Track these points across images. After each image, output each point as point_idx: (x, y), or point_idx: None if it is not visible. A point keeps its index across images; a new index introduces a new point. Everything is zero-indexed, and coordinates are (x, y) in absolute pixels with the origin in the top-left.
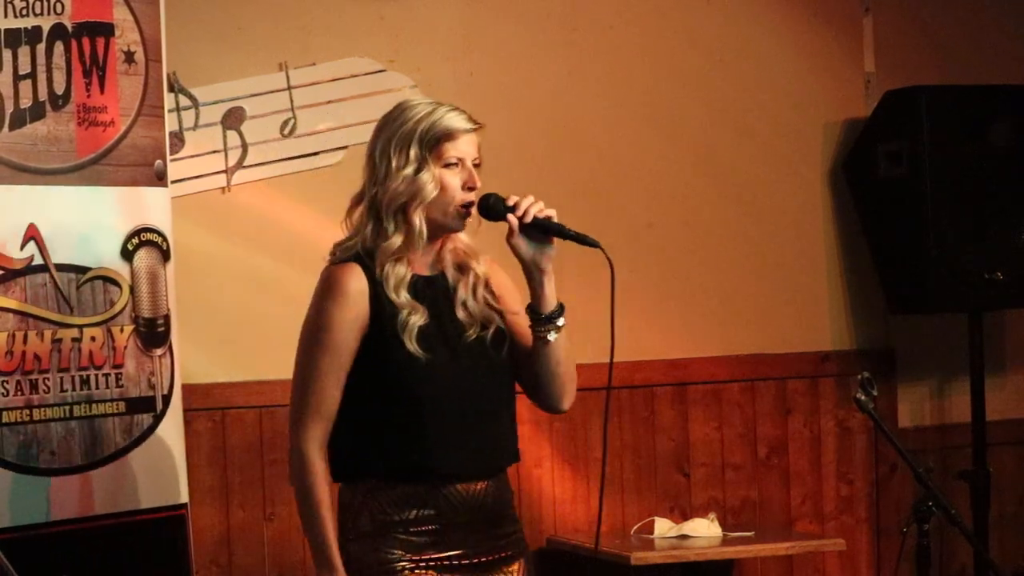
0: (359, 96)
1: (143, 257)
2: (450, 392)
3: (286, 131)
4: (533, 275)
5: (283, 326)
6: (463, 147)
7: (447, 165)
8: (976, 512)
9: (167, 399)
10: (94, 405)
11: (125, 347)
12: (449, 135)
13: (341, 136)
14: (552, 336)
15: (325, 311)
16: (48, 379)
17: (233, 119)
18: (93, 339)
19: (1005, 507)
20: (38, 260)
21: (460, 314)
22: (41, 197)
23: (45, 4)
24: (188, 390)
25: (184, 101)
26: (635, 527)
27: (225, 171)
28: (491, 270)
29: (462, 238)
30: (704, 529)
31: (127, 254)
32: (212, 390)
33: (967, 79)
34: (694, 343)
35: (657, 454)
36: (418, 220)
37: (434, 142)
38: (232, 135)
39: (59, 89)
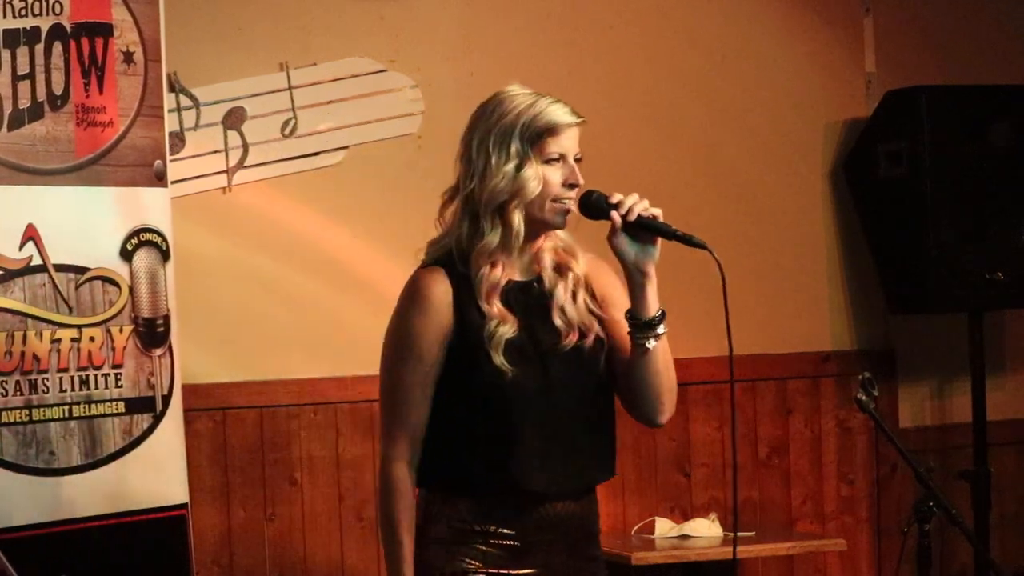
0: (360, 96)
1: (142, 257)
2: (539, 407)
3: (287, 131)
4: (634, 277)
5: (283, 326)
6: (565, 142)
7: (548, 161)
8: (977, 512)
9: (167, 399)
10: (93, 405)
11: (124, 347)
12: (552, 129)
13: (342, 136)
14: (651, 344)
15: (408, 320)
16: (47, 379)
17: (234, 119)
18: (92, 339)
19: (1006, 507)
20: (37, 260)
21: (557, 321)
22: (40, 197)
23: (44, 4)
24: (188, 390)
25: (185, 101)
26: (636, 527)
27: (226, 171)
28: (594, 267)
29: (561, 236)
30: (704, 529)
31: (126, 254)
32: (212, 390)
33: (968, 79)
34: (694, 343)
35: (658, 454)
36: (517, 219)
37: (536, 137)
38: (233, 135)
39: (58, 89)
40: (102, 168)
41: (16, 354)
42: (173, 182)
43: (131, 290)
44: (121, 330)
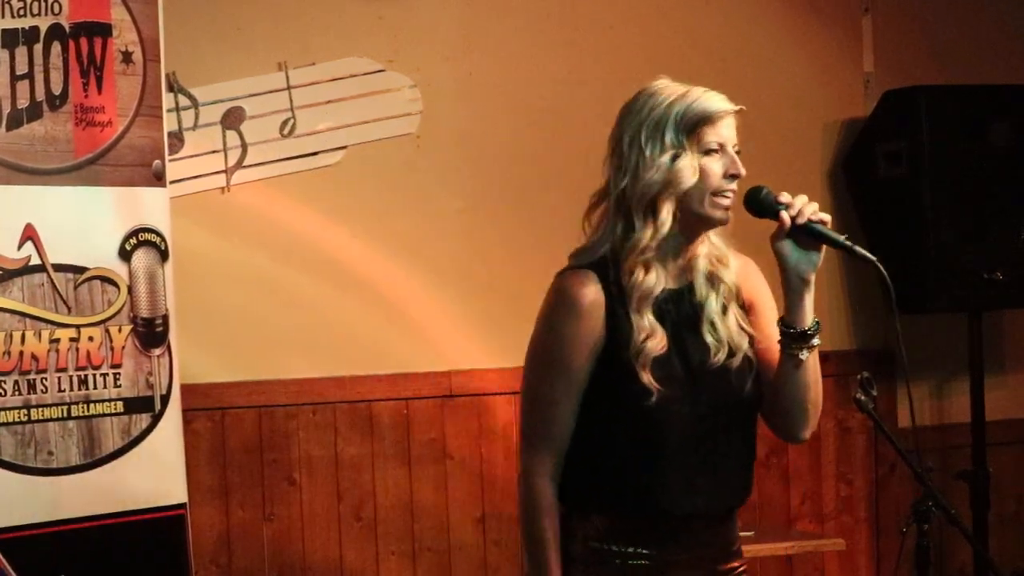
0: (358, 96)
1: (141, 257)
2: (686, 427)
3: (286, 131)
4: (793, 284)
5: (282, 326)
6: (723, 131)
7: (707, 151)
8: (976, 512)
9: (165, 399)
10: (92, 405)
11: (123, 347)
12: (708, 118)
13: (341, 136)
14: (804, 355)
15: (557, 328)
16: (46, 379)
17: (232, 119)
18: (91, 339)
19: (1005, 507)
20: (35, 260)
21: (708, 338)
22: (38, 197)
23: (42, 4)
24: (187, 390)
25: (183, 101)
26: None
27: (224, 171)
28: (744, 271)
29: (714, 241)
30: None
31: (125, 254)
32: (211, 390)
33: (966, 79)
34: None
35: None
36: (667, 210)
37: (692, 126)
38: (231, 135)
39: (56, 89)
40: (101, 168)
41: (15, 354)
42: (172, 182)
43: (130, 290)
44: (120, 330)
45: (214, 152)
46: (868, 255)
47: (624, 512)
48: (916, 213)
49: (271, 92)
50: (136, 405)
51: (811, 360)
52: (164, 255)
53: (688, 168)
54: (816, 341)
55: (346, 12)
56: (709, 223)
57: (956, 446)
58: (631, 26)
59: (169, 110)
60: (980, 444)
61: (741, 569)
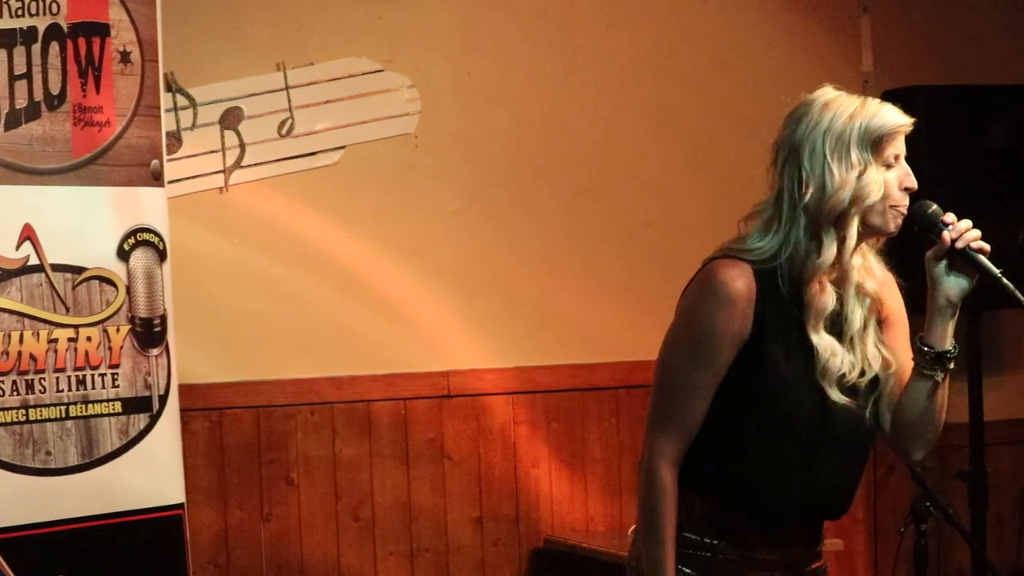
0: (357, 96)
1: (139, 257)
2: (814, 441)
3: (284, 131)
4: (939, 304)
5: (281, 326)
6: (900, 144)
7: (887, 164)
8: (974, 512)
9: (164, 399)
10: (90, 405)
11: (121, 347)
12: (892, 135)
13: (339, 136)
14: (939, 377)
15: (707, 317)
16: (44, 379)
17: (231, 119)
18: (89, 339)
19: (1003, 507)
20: (34, 260)
21: (847, 356)
22: (37, 197)
23: (41, 4)
24: (185, 390)
25: (182, 101)
26: (632, 527)
27: (223, 171)
28: (885, 284)
29: (865, 249)
30: None
31: (123, 254)
32: (209, 390)
33: (965, 79)
34: None
35: None
36: (854, 227)
37: (877, 141)
38: (230, 135)
39: (55, 89)
40: (99, 168)
41: (13, 354)
42: (170, 182)
43: (128, 290)
44: (118, 330)
45: (212, 152)
46: (1019, 295)
47: (731, 504)
48: None
49: (269, 92)
50: (134, 405)
51: (944, 382)
52: (162, 255)
53: (876, 184)
54: (952, 365)
55: (345, 12)
56: (882, 234)
57: (954, 446)
58: (629, 27)
59: (167, 110)
60: (978, 444)
61: (822, 567)
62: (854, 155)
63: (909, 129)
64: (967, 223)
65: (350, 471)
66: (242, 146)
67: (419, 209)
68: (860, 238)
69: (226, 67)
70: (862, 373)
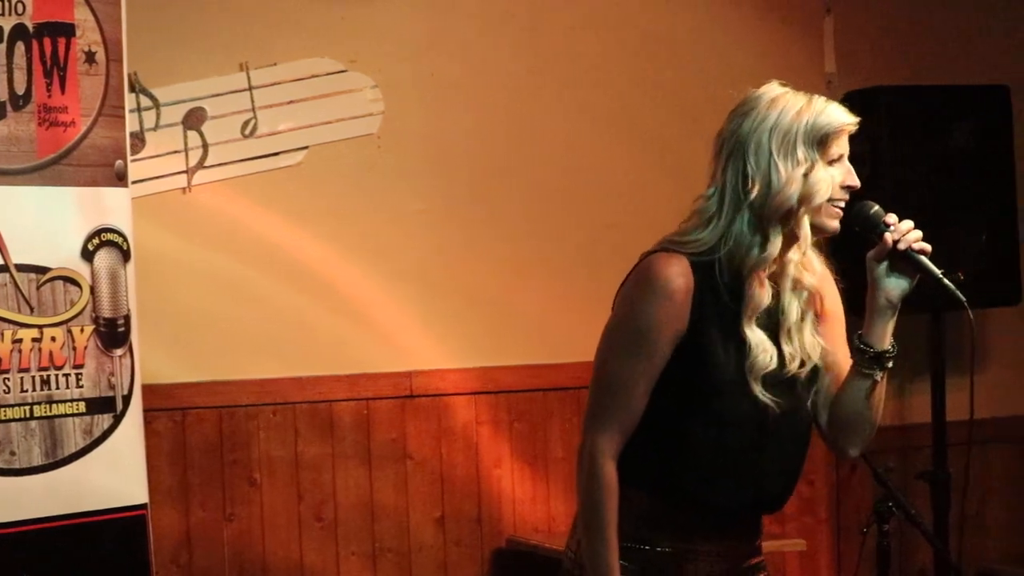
0: (320, 96)
1: (103, 257)
2: (749, 430)
3: (247, 131)
4: (879, 304)
5: (244, 326)
6: (845, 143)
7: (831, 162)
8: (936, 513)
9: (127, 399)
10: (54, 405)
11: (85, 347)
12: (838, 133)
13: (302, 136)
14: (878, 376)
15: (645, 310)
16: (8, 379)
17: (194, 119)
18: (53, 339)
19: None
20: None
21: (785, 346)
22: (1, 197)
23: (6, 4)
24: (148, 390)
25: (145, 101)
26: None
27: (186, 171)
28: (824, 278)
29: (808, 247)
30: None
31: (87, 254)
32: (172, 390)
33: (928, 80)
34: None
35: None
36: (806, 224)
37: (823, 139)
38: (193, 135)
39: (20, 89)
40: (63, 168)
41: None
42: (133, 182)
43: (92, 290)
44: (82, 330)
45: (176, 152)
46: (960, 296)
47: (671, 498)
48: None
49: (233, 92)
50: (98, 405)
51: (882, 381)
52: (126, 255)
53: (824, 182)
54: (891, 364)
55: (308, 13)
56: (824, 232)
57: (917, 447)
58: (593, 28)
59: (131, 110)
60: (941, 445)
61: (761, 563)
62: (800, 152)
63: (854, 128)
64: (909, 224)
65: (313, 471)
66: (205, 146)
67: (382, 209)
68: (798, 236)
69: (189, 67)
70: (801, 364)
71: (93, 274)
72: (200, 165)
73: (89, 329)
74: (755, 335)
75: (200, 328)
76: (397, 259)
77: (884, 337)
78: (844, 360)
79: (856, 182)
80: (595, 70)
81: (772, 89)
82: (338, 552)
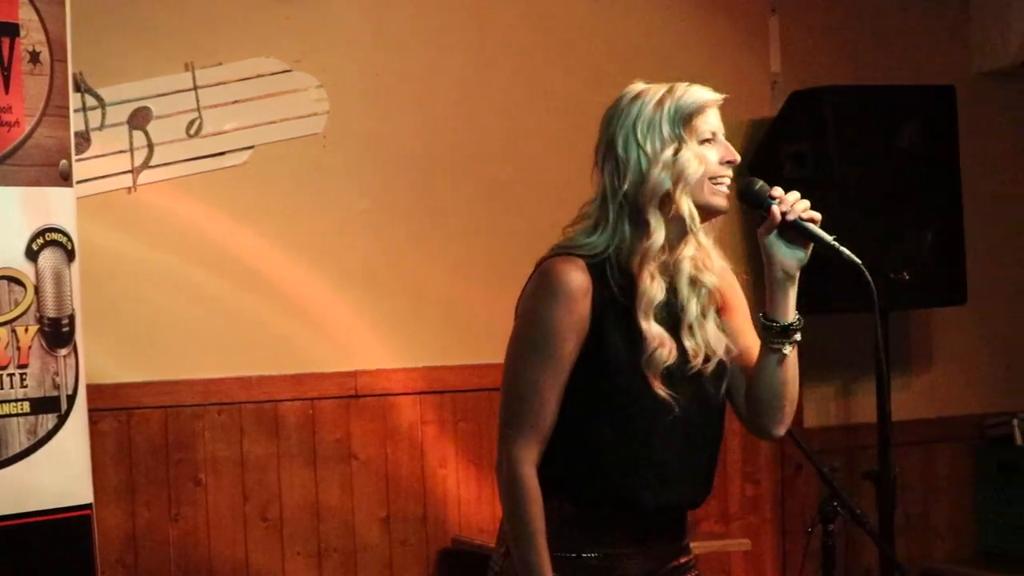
0: (265, 96)
1: (48, 257)
2: (660, 427)
3: (192, 131)
4: (777, 279)
5: (189, 326)
6: (714, 120)
7: (702, 142)
8: (881, 512)
9: (72, 399)
10: None
11: (30, 347)
12: (699, 109)
13: (247, 136)
14: (787, 350)
15: (546, 314)
16: None
17: (139, 119)
18: None
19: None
20: None
21: (687, 342)
22: None
23: None
24: (93, 390)
25: (90, 101)
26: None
27: (131, 171)
28: (721, 273)
29: (703, 241)
30: None
31: (32, 254)
32: (117, 390)
33: (874, 80)
34: None
35: None
36: (687, 204)
37: (687, 117)
38: (138, 135)
39: None
40: (8, 168)
41: None
42: (78, 182)
43: (36, 290)
44: (26, 330)
45: (121, 152)
46: (854, 258)
47: (590, 502)
48: (822, 214)
49: (178, 92)
50: (42, 405)
51: (792, 355)
52: (71, 255)
53: (694, 159)
54: (798, 336)
55: (253, 12)
56: (709, 211)
57: (862, 446)
58: (536, 26)
59: (76, 110)
60: (886, 444)
61: (691, 563)
62: (666, 133)
63: (718, 104)
64: (795, 194)
65: (258, 471)
66: (150, 146)
67: (327, 209)
68: (698, 219)
69: (135, 67)
70: (707, 359)
71: (37, 274)
72: (145, 165)
73: (33, 329)
74: (651, 329)
75: (145, 328)
76: (342, 259)
77: (787, 310)
78: (755, 346)
79: (735, 156)
80: (540, 69)
81: (634, 87)
82: (283, 552)
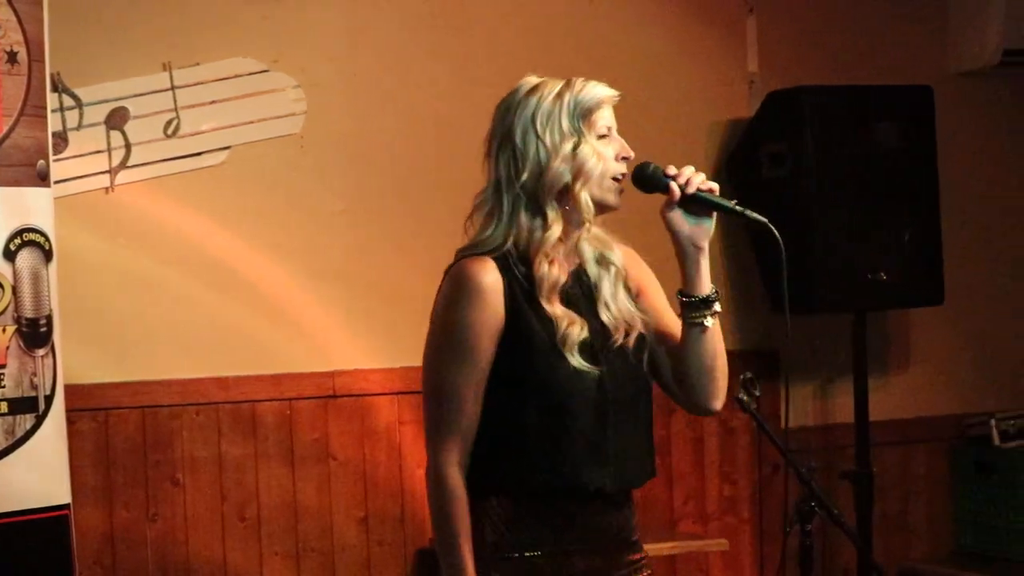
0: (243, 96)
1: (25, 257)
2: (590, 406)
3: (170, 131)
4: (688, 253)
5: (166, 326)
6: (609, 116)
7: (599, 137)
8: (859, 512)
9: (49, 399)
10: None
11: (7, 347)
12: (597, 104)
13: (225, 136)
14: (709, 322)
15: (458, 315)
16: None
17: (117, 119)
18: None
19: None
20: None
21: (604, 317)
22: None
23: None
24: (71, 390)
25: (68, 101)
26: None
27: (109, 171)
28: (627, 258)
29: (594, 230)
30: None
31: (9, 254)
32: (95, 390)
33: (850, 80)
34: None
35: None
36: (585, 198)
37: (586, 112)
38: (116, 135)
39: None
40: None
41: None
42: (56, 182)
43: (14, 290)
44: (4, 330)
45: (98, 152)
46: (759, 217)
47: (530, 492)
48: (800, 214)
49: (155, 92)
50: (20, 405)
51: (715, 326)
52: (48, 255)
53: (593, 154)
54: (717, 307)
55: (231, 12)
56: (604, 207)
57: (840, 446)
58: (514, 27)
59: (53, 110)
60: (864, 444)
61: (643, 562)
62: (566, 127)
63: (615, 100)
64: (690, 168)
65: (236, 471)
66: (128, 146)
67: (305, 209)
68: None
69: (112, 67)
70: (627, 334)
71: (15, 274)
72: (123, 165)
73: (11, 329)
74: (557, 310)
75: (123, 328)
76: (320, 259)
77: (702, 283)
78: (676, 325)
79: (630, 152)
80: (518, 70)
81: (530, 80)
82: (261, 552)
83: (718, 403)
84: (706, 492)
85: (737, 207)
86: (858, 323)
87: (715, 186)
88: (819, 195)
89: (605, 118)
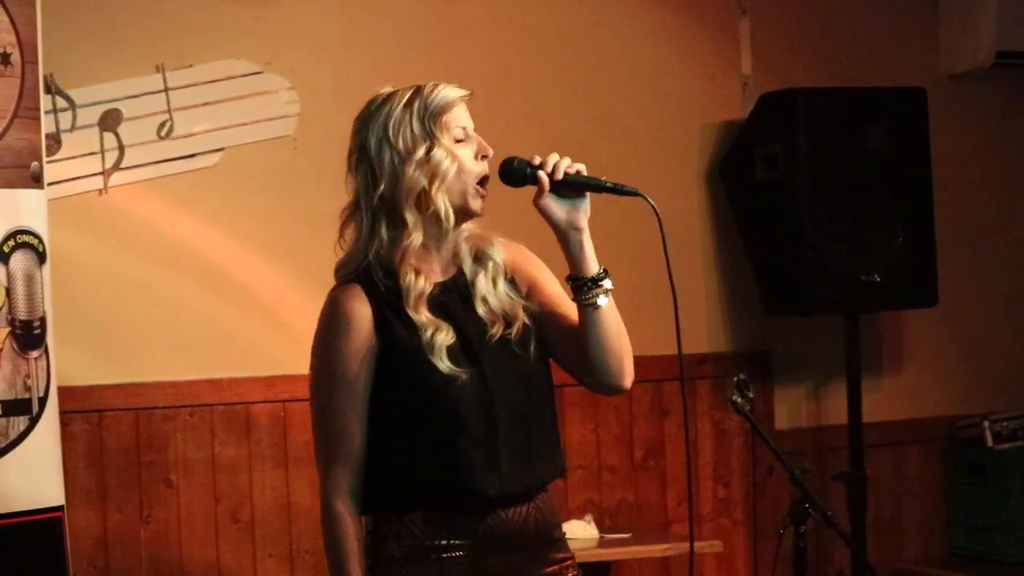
0: (236, 98)
1: (19, 259)
2: (482, 407)
3: (163, 133)
4: (569, 236)
5: (159, 328)
6: (463, 117)
7: (458, 140)
8: (853, 514)
9: (43, 401)
10: None
11: (1, 349)
12: (448, 105)
13: (218, 138)
14: (602, 300)
15: (330, 344)
16: None
17: (110, 121)
18: None
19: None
20: None
21: (481, 311)
22: None
23: None
24: (64, 392)
25: (61, 103)
26: None
27: (102, 173)
28: (512, 252)
29: (470, 226)
30: (580, 531)
31: (2, 256)
32: (89, 392)
33: (843, 82)
34: None
35: None
36: (442, 201)
37: (436, 115)
38: (109, 137)
39: None
40: None
41: None
42: (49, 184)
43: (8, 292)
44: None
45: (91, 154)
46: (634, 189)
47: (436, 502)
48: (793, 215)
49: (148, 94)
50: (13, 408)
51: (609, 305)
52: (42, 257)
53: (447, 157)
54: (609, 284)
55: (223, 14)
56: (466, 213)
57: (833, 448)
58: (507, 28)
59: (46, 112)
60: (857, 446)
61: (567, 563)
62: (417, 132)
63: (464, 100)
64: (554, 156)
65: (229, 473)
66: (121, 148)
67: (298, 211)
68: (456, 218)
69: (105, 69)
70: (508, 326)
71: (9, 276)
72: (116, 167)
73: (4, 331)
74: (423, 318)
75: (117, 330)
76: (313, 260)
77: (588, 263)
78: (573, 311)
79: (489, 150)
80: (510, 71)
81: (383, 91)
82: (255, 554)
83: (627, 381)
84: (700, 494)
85: (607, 183)
86: (851, 325)
87: (582, 167)
88: (812, 197)
89: (459, 119)
